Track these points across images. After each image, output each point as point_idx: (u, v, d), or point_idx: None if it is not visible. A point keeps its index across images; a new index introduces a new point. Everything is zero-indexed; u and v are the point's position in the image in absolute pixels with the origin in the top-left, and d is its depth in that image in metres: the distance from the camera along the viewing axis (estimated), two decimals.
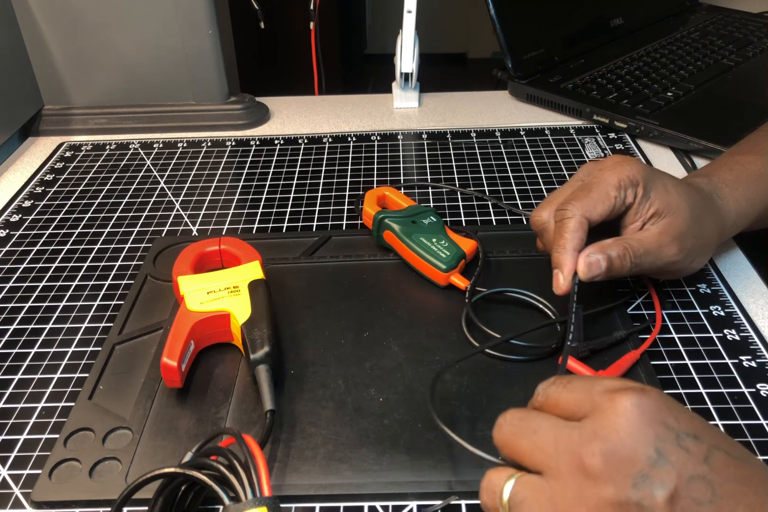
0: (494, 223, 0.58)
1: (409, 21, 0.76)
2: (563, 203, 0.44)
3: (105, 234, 0.60)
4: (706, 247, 0.46)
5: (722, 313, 0.48)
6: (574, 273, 0.42)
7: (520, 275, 0.51)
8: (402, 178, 0.66)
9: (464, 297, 0.48)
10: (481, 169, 0.67)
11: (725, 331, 0.46)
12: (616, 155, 0.47)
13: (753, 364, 0.43)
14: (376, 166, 0.68)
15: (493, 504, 0.30)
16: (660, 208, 0.44)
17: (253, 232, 0.59)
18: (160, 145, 0.75)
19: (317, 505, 0.37)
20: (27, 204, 0.65)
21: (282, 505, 0.32)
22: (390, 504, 0.37)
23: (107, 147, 0.75)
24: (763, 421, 0.40)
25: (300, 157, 0.71)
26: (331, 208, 0.62)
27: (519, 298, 0.49)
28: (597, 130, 0.74)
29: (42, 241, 0.59)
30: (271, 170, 0.69)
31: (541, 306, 0.48)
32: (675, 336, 0.46)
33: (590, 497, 0.27)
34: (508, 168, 0.67)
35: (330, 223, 0.60)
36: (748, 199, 0.49)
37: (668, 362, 0.44)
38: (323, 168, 0.69)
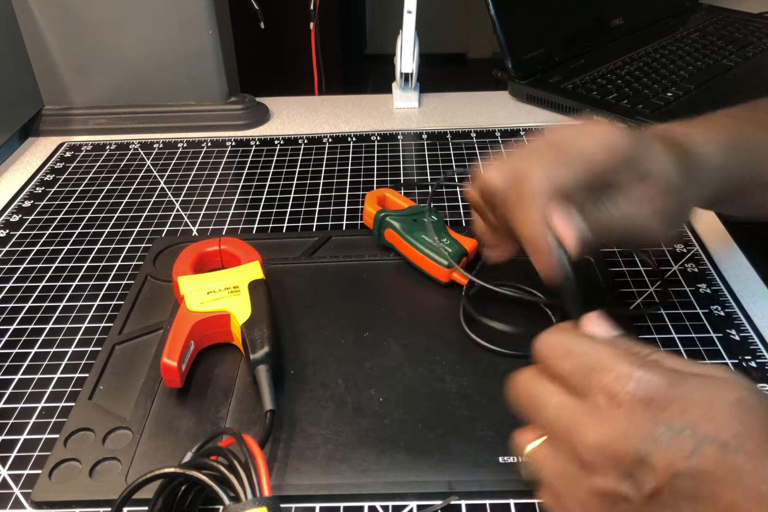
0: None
1: (409, 21, 0.76)
2: (527, 166, 0.36)
3: (105, 234, 0.60)
4: (686, 215, 0.42)
5: (722, 313, 0.48)
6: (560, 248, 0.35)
7: (520, 274, 0.51)
8: (402, 178, 0.66)
9: (463, 294, 0.48)
10: (481, 169, 0.67)
11: (725, 331, 0.46)
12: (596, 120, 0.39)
13: (753, 364, 0.43)
14: (376, 166, 0.68)
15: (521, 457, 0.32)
16: (644, 176, 0.38)
17: (253, 232, 0.59)
18: (160, 145, 0.75)
19: (317, 505, 0.37)
20: (27, 204, 0.65)
21: (282, 505, 0.32)
22: (390, 504, 0.37)
23: (107, 147, 0.75)
24: None
25: (300, 157, 0.71)
26: (331, 208, 0.62)
27: (518, 294, 0.49)
28: None
29: (42, 241, 0.59)
30: (271, 170, 0.69)
31: (540, 302, 0.48)
32: (675, 336, 0.46)
33: (581, 484, 0.28)
34: None
35: (330, 223, 0.60)
36: (727, 155, 0.42)
37: None
38: (323, 168, 0.69)
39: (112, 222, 0.61)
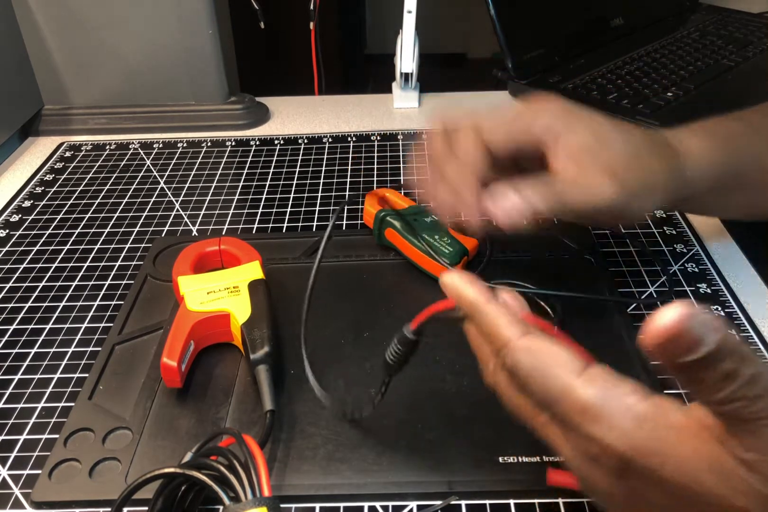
0: (494, 223, 0.58)
1: (409, 21, 0.76)
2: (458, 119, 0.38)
3: (105, 234, 0.60)
4: (652, 185, 0.39)
5: (722, 313, 0.48)
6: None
7: (521, 274, 0.51)
8: (402, 178, 0.66)
9: None
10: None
11: None
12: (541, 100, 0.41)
13: None
14: (376, 166, 0.68)
15: None
16: (584, 142, 0.37)
17: (253, 232, 0.59)
18: (160, 145, 0.75)
19: (317, 505, 0.37)
20: (27, 204, 0.65)
21: (282, 505, 0.32)
22: (390, 504, 0.37)
23: (107, 147, 0.75)
24: None
25: (300, 157, 0.71)
26: (331, 208, 0.62)
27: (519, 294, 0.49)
28: None
29: (42, 241, 0.59)
30: (271, 170, 0.69)
31: (541, 302, 0.48)
32: None
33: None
34: None
35: (330, 223, 0.59)
36: (715, 144, 0.42)
37: None
38: (323, 168, 0.69)
39: (112, 222, 0.61)
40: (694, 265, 0.52)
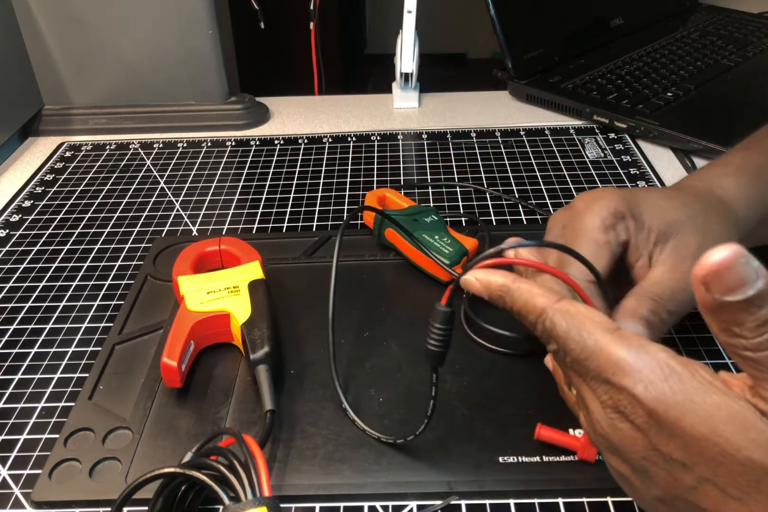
0: (494, 224, 0.58)
1: (409, 21, 0.76)
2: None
3: (105, 234, 0.60)
4: None
5: None
6: None
7: None
8: (402, 178, 0.66)
9: (463, 296, 0.48)
10: (481, 169, 0.67)
11: None
12: (583, 194, 0.40)
13: None
14: (376, 166, 0.68)
15: None
16: (661, 231, 0.38)
17: (253, 232, 0.59)
18: (160, 145, 0.75)
19: (317, 505, 0.37)
20: (27, 204, 0.65)
21: (282, 505, 0.32)
22: (390, 504, 0.37)
23: (107, 147, 0.75)
24: None
25: (300, 157, 0.71)
26: (331, 208, 0.62)
27: None
28: (597, 130, 0.74)
29: (42, 241, 0.59)
30: (271, 170, 0.69)
31: None
32: (675, 336, 0.46)
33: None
34: (508, 168, 0.67)
35: (330, 223, 0.60)
36: (756, 185, 0.42)
37: None
38: (323, 168, 0.69)
39: (112, 222, 0.61)
40: None
